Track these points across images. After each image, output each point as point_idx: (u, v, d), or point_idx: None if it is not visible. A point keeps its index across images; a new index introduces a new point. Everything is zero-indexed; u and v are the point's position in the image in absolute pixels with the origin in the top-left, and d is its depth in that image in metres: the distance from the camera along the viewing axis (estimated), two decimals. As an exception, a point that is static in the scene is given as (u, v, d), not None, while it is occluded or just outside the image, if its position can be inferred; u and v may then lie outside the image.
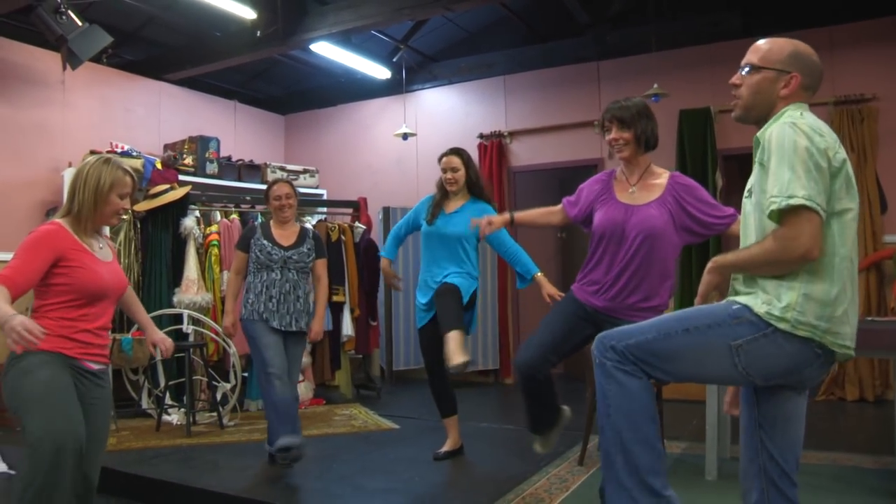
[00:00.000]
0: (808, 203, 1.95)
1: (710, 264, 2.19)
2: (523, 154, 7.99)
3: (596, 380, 2.32)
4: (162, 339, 3.13)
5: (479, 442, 4.99)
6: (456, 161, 4.58)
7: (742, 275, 2.19)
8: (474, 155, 7.92)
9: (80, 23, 5.58)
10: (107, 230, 5.74)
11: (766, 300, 2.08)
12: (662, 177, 3.26)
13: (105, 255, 2.87)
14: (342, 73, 8.55)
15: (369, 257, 7.27)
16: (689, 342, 2.17)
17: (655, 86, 6.57)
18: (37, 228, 2.72)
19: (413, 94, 8.66)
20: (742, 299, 2.14)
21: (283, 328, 4.44)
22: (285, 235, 4.59)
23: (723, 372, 2.17)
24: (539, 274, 4.34)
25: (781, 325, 2.04)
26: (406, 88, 8.46)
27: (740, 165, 7.39)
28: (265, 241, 4.52)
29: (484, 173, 7.97)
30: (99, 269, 2.77)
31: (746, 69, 2.26)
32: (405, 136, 7.83)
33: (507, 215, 3.66)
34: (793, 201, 1.95)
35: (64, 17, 5.51)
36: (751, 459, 2.28)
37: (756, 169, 2.15)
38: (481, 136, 8.14)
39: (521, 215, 3.66)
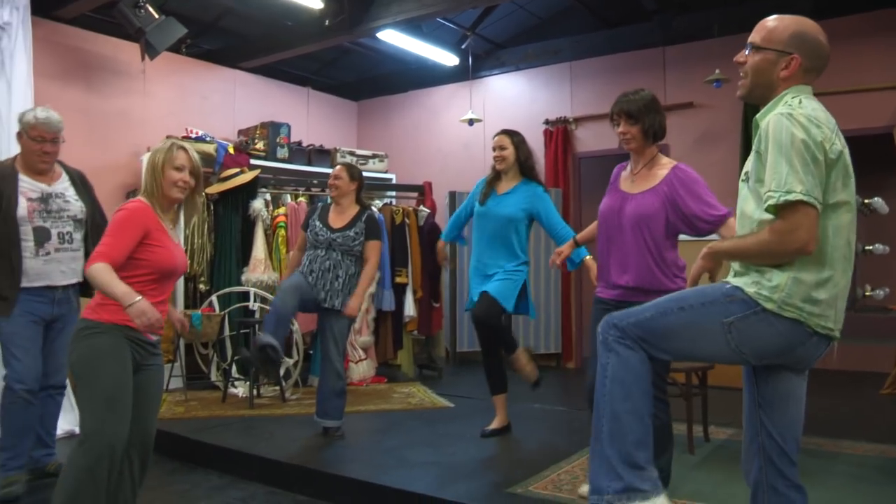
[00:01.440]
0: (805, 198, 1.97)
1: (704, 249, 2.23)
2: (588, 140, 8.02)
3: (598, 356, 2.40)
4: (178, 318, 3.23)
5: (528, 422, 5.10)
6: (505, 140, 4.69)
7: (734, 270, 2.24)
8: (540, 140, 8.03)
9: (156, 16, 5.92)
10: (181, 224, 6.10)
11: (756, 280, 2.13)
12: (665, 167, 3.32)
13: (174, 236, 3.04)
14: (412, 61, 8.72)
15: (433, 240, 7.40)
16: (683, 319, 2.24)
17: (717, 71, 6.51)
18: (124, 206, 2.89)
19: (480, 80, 8.78)
20: (734, 280, 2.20)
21: (319, 302, 4.64)
22: (340, 218, 4.77)
23: (717, 349, 2.22)
24: (588, 257, 4.31)
25: (769, 305, 2.10)
26: (473, 75, 8.57)
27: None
28: (318, 222, 4.75)
29: (549, 159, 8.07)
30: (174, 249, 2.96)
31: (750, 48, 2.25)
32: (471, 122, 7.96)
33: (570, 241, 3.91)
34: (791, 196, 1.98)
35: (142, 11, 5.85)
36: (751, 438, 2.32)
37: (753, 156, 2.17)
38: (547, 122, 8.20)
39: (581, 235, 3.85)
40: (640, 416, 2.32)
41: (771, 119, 2.10)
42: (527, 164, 4.72)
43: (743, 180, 2.26)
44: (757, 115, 2.23)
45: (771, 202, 2.01)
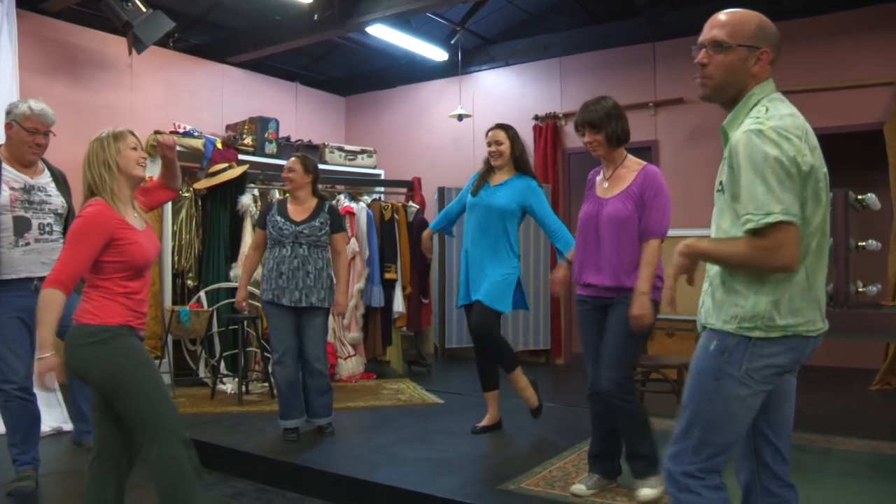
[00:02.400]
0: (784, 217, 1.92)
1: (682, 247, 2.12)
2: (578, 136, 7.98)
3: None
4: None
5: (519, 418, 5.07)
6: (501, 135, 4.68)
7: (712, 293, 2.18)
8: (529, 136, 8.01)
9: (144, 9, 5.86)
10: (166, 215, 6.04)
11: (733, 313, 2.08)
12: (634, 170, 3.47)
13: (139, 223, 2.95)
14: (401, 56, 8.68)
15: (422, 236, 7.41)
16: (714, 409, 2.12)
17: (708, 67, 6.50)
18: (82, 212, 2.80)
19: (470, 75, 8.75)
20: (709, 320, 2.16)
21: (293, 304, 4.50)
22: (299, 211, 4.64)
23: (754, 403, 2.13)
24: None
25: (755, 334, 2.05)
26: (463, 70, 8.55)
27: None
28: (278, 217, 4.61)
29: (538, 155, 8.04)
30: (144, 241, 2.89)
31: (713, 46, 2.14)
32: (460, 118, 7.94)
33: (563, 263, 3.91)
34: (770, 219, 1.93)
35: (129, 4, 5.80)
36: (744, 441, 2.28)
37: (725, 169, 2.10)
38: (536, 117, 8.18)
39: (571, 254, 3.82)
40: None
41: (740, 138, 2.02)
42: (521, 159, 4.72)
43: (718, 191, 2.18)
44: (724, 123, 2.17)
45: (750, 226, 1.95)
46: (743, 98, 2.15)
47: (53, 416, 4.88)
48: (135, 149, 2.94)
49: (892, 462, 4.08)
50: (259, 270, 6.12)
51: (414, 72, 9.04)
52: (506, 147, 4.66)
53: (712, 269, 2.20)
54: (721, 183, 2.15)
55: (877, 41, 6.46)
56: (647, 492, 3.38)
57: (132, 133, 2.99)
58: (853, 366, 6.95)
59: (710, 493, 2.14)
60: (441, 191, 7.85)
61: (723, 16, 2.16)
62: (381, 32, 7.47)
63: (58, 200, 3.92)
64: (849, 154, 6.96)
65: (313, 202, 4.70)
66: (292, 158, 4.72)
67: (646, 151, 7.35)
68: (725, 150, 2.12)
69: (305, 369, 4.62)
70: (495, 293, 4.52)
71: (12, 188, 3.75)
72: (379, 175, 8.50)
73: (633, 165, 3.49)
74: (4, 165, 3.77)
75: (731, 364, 2.07)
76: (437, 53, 8.30)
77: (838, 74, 6.60)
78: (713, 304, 2.16)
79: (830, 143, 6.73)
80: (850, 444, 4.45)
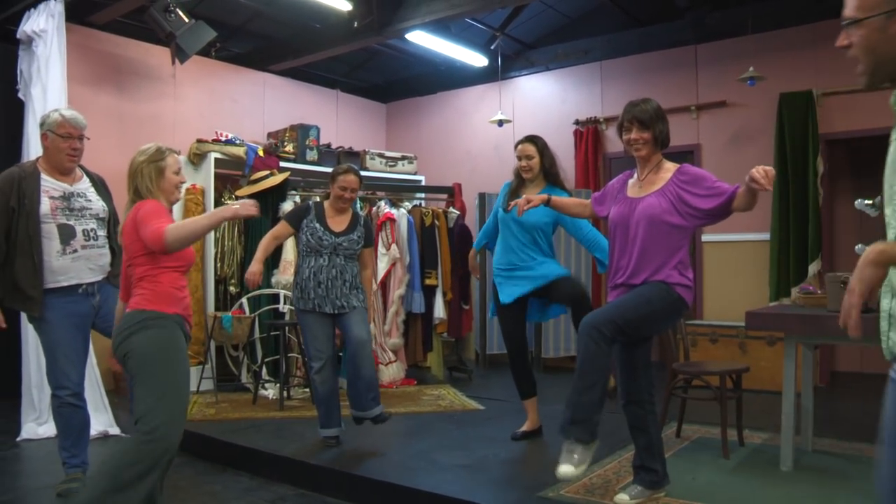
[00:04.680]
0: None
1: (872, 255, 1.70)
2: (619, 140, 7.85)
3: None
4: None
5: (558, 424, 5.03)
6: (531, 149, 4.66)
7: None
8: (570, 141, 7.97)
9: (186, 20, 5.95)
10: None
11: None
12: (670, 171, 3.41)
13: None
14: (441, 62, 8.70)
15: (462, 242, 7.41)
16: None
17: (751, 69, 6.42)
18: (144, 204, 3.00)
19: (510, 80, 8.73)
20: None
21: (336, 311, 4.50)
22: (338, 221, 4.61)
23: None
24: None
25: None
26: (503, 75, 8.53)
27: (844, 150, 7.11)
28: (317, 225, 4.55)
29: (579, 160, 8.00)
30: None
31: (847, 26, 1.81)
32: (500, 123, 7.92)
33: (545, 196, 3.87)
34: None
35: (172, 16, 5.89)
36: None
37: None
38: (577, 122, 8.13)
39: (556, 200, 3.88)
40: None
41: None
42: (552, 171, 4.70)
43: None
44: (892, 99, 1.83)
45: None
46: None
47: (100, 420, 4.98)
48: (176, 172, 3.14)
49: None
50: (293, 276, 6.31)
51: (453, 78, 9.05)
52: (535, 162, 4.66)
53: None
54: None
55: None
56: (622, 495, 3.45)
57: (174, 153, 3.18)
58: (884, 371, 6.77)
59: None
60: (482, 196, 7.82)
61: None
62: (421, 39, 7.50)
63: (98, 205, 3.97)
64: (865, 158, 6.86)
65: (350, 213, 4.70)
66: (352, 177, 4.60)
67: (688, 155, 7.26)
68: None
69: (352, 357, 4.47)
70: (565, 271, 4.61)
71: (52, 197, 3.80)
72: (419, 181, 8.52)
73: (668, 167, 3.44)
74: (44, 176, 3.83)
75: None
76: (476, 59, 8.30)
77: (854, 77, 6.41)
78: None
79: (878, 144, 6.64)
80: (869, 450, 4.33)
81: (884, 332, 1.78)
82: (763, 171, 2.94)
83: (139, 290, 2.95)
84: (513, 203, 3.98)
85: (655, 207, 3.32)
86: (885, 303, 1.77)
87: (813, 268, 6.61)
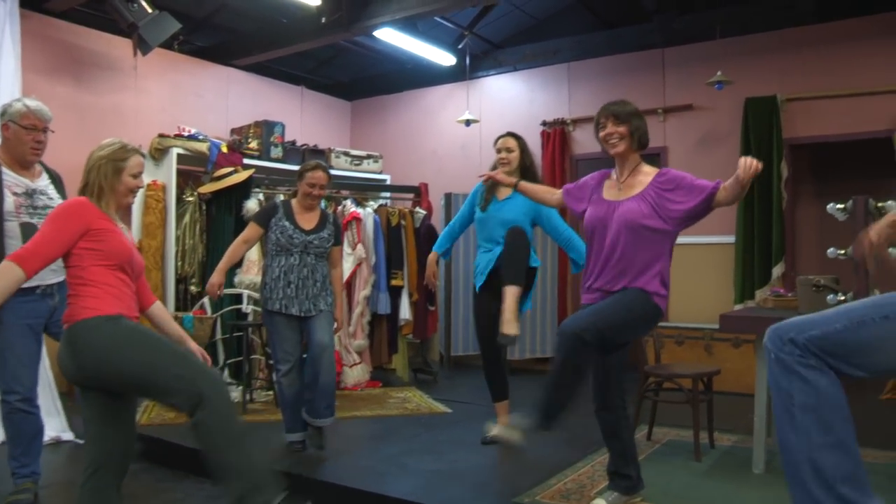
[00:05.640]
0: None
1: (892, 217, 1.94)
2: (586, 142, 7.90)
3: (771, 379, 2.07)
4: (201, 353, 3.10)
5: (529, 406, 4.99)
6: (511, 142, 4.61)
7: None
8: (537, 142, 7.93)
9: (149, 10, 5.78)
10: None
11: None
12: (650, 174, 3.35)
13: (127, 231, 2.93)
14: (408, 60, 8.60)
15: (429, 242, 7.28)
16: (887, 329, 1.92)
17: (719, 73, 6.45)
18: (64, 202, 2.80)
19: (477, 80, 8.67)
20: None
21: (303, 314, 4.37)
22: (307, 219, 4.49)
23: None
24: None
25: None
26: (470, 75, 8.47)
27: (808, 155, 7.19)
28: (287, 223, 4.43)
29: (546, 161, 7.97)
30: (125, 237, 2.85)
31: None
32: (468, 123, 7.86)
33: (514, 179, 3.93)
34: None
35: (135, 5, 5.71)
36: None
37: None
38: (544, 123, 8.10)
39: (525, 185, 3.88)
40: (846, 448, 1.95)
41: None
42: (530, 169, 4.63)
43: None
44: None
45: None
46: None
47: (52, 424, 4.74)
48: (135, 175, 2.89)
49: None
50: (261, 275, 6.16)
51: (420, 76, 8.96)
52: (515, 155, 4.59)
53: None
54: None
55: (888, 49, 6.38)
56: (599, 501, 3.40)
57: (139, 153, 2.95)
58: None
59: (814, 374, 1.96)
60: (448, 197, 7.76)
61: None
62: (389, 36, 7.39)
63: (59, 203, 3.82)
64: (858, 161, 6.90)
65: (318, 210, 4.59)
66: (320, 173, 4.49)
67: (654, 158, 7.26)
68: None
69: (313, 362, 4.33)
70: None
71: (15, 193, 3.62)
72: (385, 180, 8.42)
73: (648, 170, 3.38)
74: (4, 169, 3.63)
75: None
76: (444, 58, 8.22)
77: (850, 81, 6.52)
78: None
79: (841, 149, 6.80)
80: (867, 454, 4.29)
81: None
82: (749, 163, 2.94)
83: (73, 301, 2.73)
84: (484, 175, 4.07)
85: (635, 212, 3.25)
86: None
87: (777, 270, 6.67)
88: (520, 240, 4.31)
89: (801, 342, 1.97)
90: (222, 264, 4.43)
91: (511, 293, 4.14)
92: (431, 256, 4.93)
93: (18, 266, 2.59)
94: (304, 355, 4.44)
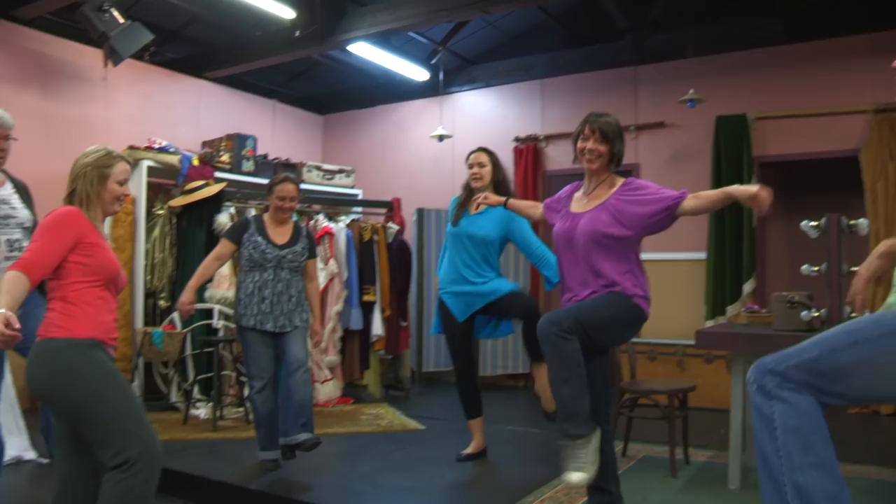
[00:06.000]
0: None
1: (882, 248, 2.02)
2: (559, 158, 7.95)
3: (754, 410, 2.08)
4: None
5: (503, 445, 4.97)
6: (483, 157, 4.59)
7: None
8: (510, 158, 7.94)
9: (122, 20, 5.71)
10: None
11: None
12: (616, 185, 3.35)
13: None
14: (381, 75, 8.58)
15: (401, 258, 7.30)
16: (861, 355, 1.96)
17: (691, 91, 6.51)
18: (53, 211, 2.70)
19: (450, 96, 8.68)
20: None
21: (278, 330, 4.31)
22: (280, 233, 4.44)
23: None
24: None
25: None
26: (444, 90, 8.47)
27: (777, 173, 7.27)
28: (259, 238, 4.37)
29: (519, 177, 7.98)
30: (112, 253, 2.79)
31: None
32: (441, 138, 7.85)
33: (503, 198, 3.94)
34: None
35: (107, 15, 5.63)
36: None
37: None
38: (517, 139, 8.12)
39: (514, 202, 3.93)
40: (827, 468, 1.96)
41: None
42: (503, 184, 4.62)
43: None
44: None
45: None
46: None
47: (14, 444, 4.56)
48: (121, 183, 2.82)
49: (884, 487, 4.05)
50: (232, 290, 6.07)
51: (393, 91, 8.95)
52: (488, 171, 4.58)
53: None
54: None
55: (853, 70, 6.50)
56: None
57: (125, 160, 2.87)
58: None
59: (796, 397, 1.99)
60: (420, 212, 7.75)
61: None
62: (363, 50, 7.37)
63: (23, 213, 3.72)
64: (826, 178, 7.01)
65: (291, 224, 4.54)
66: (291, 186, 4.45)
67: (626, 174, 7.24)
68: None
69: (288, 378, 4.28)
70: (514, 287, 4.53)
71: None
72: (357, 195, 8.38)
73: (616, 182, 3.37)
74: None
75: None
76: (418, 73, 8.21)
77: (818, 100, 6.63)
78: None
79: (809, 167, 6.90)
80: (858, 470, 4.38)
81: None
82: (767, 195, 2.89)
83: (51, 311, 2.66)
84: (475, 199, 4.06)
85: (595, 222, 3.25)
86: (892, 298, 2.10)
87: (748, 286, 6.73)
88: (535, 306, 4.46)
89: (781, 371, 2.01)
90: (193, 282, 4.35)
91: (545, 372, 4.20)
92: (436, 282, 4.94)
93: (25, 275, 2.52)
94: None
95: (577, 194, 3.46)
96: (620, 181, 3.38)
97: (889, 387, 1.99)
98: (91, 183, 2.75)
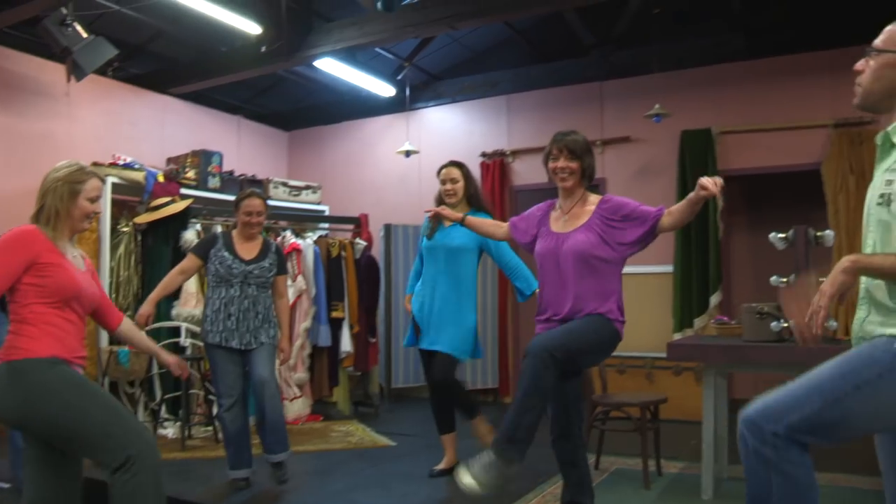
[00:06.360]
0: None
1: (847, 264, 1.95)
2: (525, 173, 7.99)
3: (746, 464, 2.09)
4: (176, 362, 3.11)
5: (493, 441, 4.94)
6: (455, 172, 4.59)
7: (875, 304, 2.02)
8: (476, 173, 7.94)
9: (85, 35, 5.63)
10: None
11: None
12: (593, 203, 3.40)
13: (78, 263, 2.77)
14: (347, 91, 8.58)
15: (369, 274, 7.27)
16: (862, 400, 1.94)
17: (657, 106, 6.59)
18: (11, 229, 2.64)
19: (417, 112, 8.69)
20: (886, 329, 1.98)
21: (243, 347, 4.26)
22: (247, 248, 4.40)
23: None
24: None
25: None
26: (410, 106, 8.48)
27: (741, 186, 7.39)
28: (226, 254, 4.32)
29: (485, 192, 7.98)
30: (74, 272, 2.70)
31: (869, 53, 2.05)
32: (408, 154, 7.85)
33: (460, 214, 3.92)
34: None
35: (70, 29, 5.55)
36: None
37: None
38: (484, 154, 8.15)
39: (471, 220, 3.89)
40: None
41: None
42: (475, 197, 4.64)
43: (879, 204, 2.01)
44: (889, 129, 2.02)
45: None
46: None
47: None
48: (92, 200, 2.76)
49: (851, 494, 4.11)
50: (199, 308, 5.99)
51: (359, 107, 8.94)
52: (460, 185, 4.59)
53: (873, 282, 2.04)
54: (886, 195, 1.99)
55: (814, 85, 6.65)
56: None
57: (97, 176, 2.81)
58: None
59: (796, 470, 1.99)
60: (387, 228, 7.74)
61: (890, 25, 2.04)
62: (329, 66, 7.35)
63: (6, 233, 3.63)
64: (789, 191, 7.14)
65: (259, 240, 4.49)
66: (258, 200, 4.41)
67: (593, 189, 7.34)
68: (890, 160, 2.01)
69: (256, 398, 4.24)
70: (462, 343, 4.46)
71: None
72: (323, 211, 8.34)
73: (593, 200, 3.43)
74: None
75: None
76: (384, 89, 8.22)
77: (780, 115, 6.75)
78: (878, 321, 2.01)
79: (772, 181, 7.02)
80: (821, 477, 4.41)
81: (855, 335, 2.10)
82: (712, 180, 3.01)
83: (10, 336, 2.59)
84: (430, 210, 4.06)
85: (584, 243, 3.29)
86: (861, 313, 2.08)
87: (714, 299, 6.80)
88: (451, 385, 4.46)
89: (784, 433, 1.98)
90: (154, 294, 4.29)
91: (477, 425, 4.45)
92: (406, 300, 4.88)
93: None
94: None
95: (554, 213, 3.49)
96: (596, 198, 3.43)
97: (889, 423, 2.01)
98: (61, 198, 2.69)
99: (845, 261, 1.95)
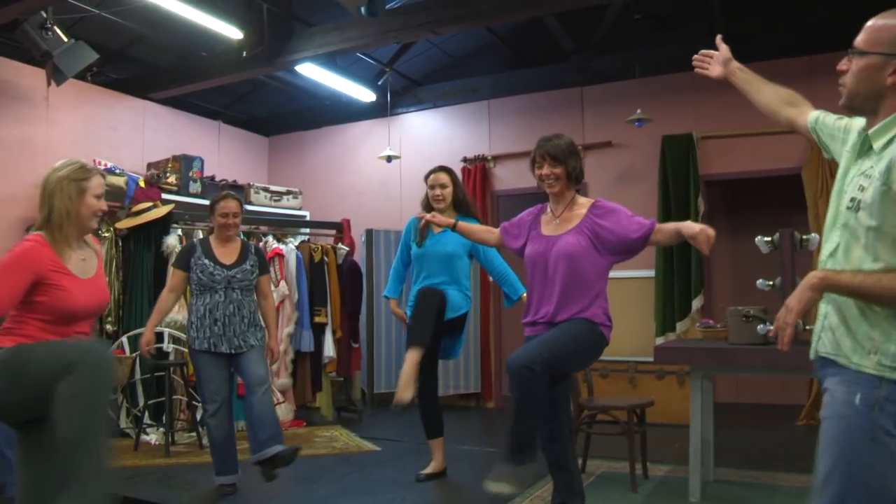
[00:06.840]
0: None
1: (814, 280, 1.89)
2: (507, 178, 8.01)
3: None
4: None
5: (461, 464, 4.95)
6: (444, 178, 4.60)
7: (843, 318, 1.95)
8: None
9: (65, 39, 5.57)
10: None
11: (877, 359, 1.86)
12: (584, 206, 3.43)
13: (87, 269, 2.73)
14: (327, 96, 8.56)
15: (352, 279, 7.26)
16: (876, 474, 1.83)
17: (639, 111, 6.64)
18: (15, 247, 2.62)
19: (397, 117, 8.69)
20: (845, 362, 1.92)
21: (233, 351, 4.24)
22: (227, 253, 4.37)
23: None
24: (526, 294, 4.33)
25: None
26: (391, 111, 8.48)
27: (722, 191, 7.46)
28: (206, 261, 4.30)
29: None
30: (77, 290, 2.65)
31: (851, 53, 2.00)
32: (389, 159, 7.84)
33: (451, 220, 3.88)
34: None
35: (49, 34, 5.49)
36: None
37: (875, 186, 1.87)
38: (465, 159, 8.15)
39: (463, 226, 3.87)
40: None
41: None
42: (464, 201, 4.66)
43: (849, 209, 1.94)
44: (870, 132, 1.97)
45: None
46: (883, 111, 1.95)
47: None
48: (98, 197, 2.73)
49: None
50: (182, 313, 5.94)
51: (339, 113, 8.92)
52: (449, 191, 4.60)
53: (837, 301, 1.97)
54: (857, 201, 1.91)
55: (793, 90, 6.71)
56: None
57: (100, 173, 2.78)
58: (777, 402, 7.12)
59: None
60: (369, 233, 7.72)
61: (872, 20, 1.98)
62: (309, 71, 7.33)
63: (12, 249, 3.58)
64: (770, 196, 7.22)
65: (238, 242, 4.47)
66: (233, 202, 4.40)
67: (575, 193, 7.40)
68: (867, 164, 1.94)
69: (248, 397, 4.19)
70: (454, 295, 4.51)
71: None
72: (304, 216, 8.30)
73: (583, 203, 3.45)
74: None
75: (885, 417, 1.81)
76: (365, 94, 8.21)
77: (761, 120, 6.71)
78: (848, 341, 1.93)
79: (753, 185, 7.09)
80: (792, 479, 4.48)
81: (816, 333, 2.04)
82: (707, 237, 3.09)
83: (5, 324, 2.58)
84: (420, 216, 4.03)
85: (574, 246, 3.30)
86: (823, 307, 2.00)
87: (696, 303, 6.85)
88: (429, 300, 4.33)
89: None
90: (152, 320, 4.32)
91: (410, 359, 4.09)
92: (391, 303, 4.87)
93: None
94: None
95: (545, 217, 3.50)
96: (586, 201, 3.45)
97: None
98: (70, 197, 2.65)
99: (813, 277, 1.90)
